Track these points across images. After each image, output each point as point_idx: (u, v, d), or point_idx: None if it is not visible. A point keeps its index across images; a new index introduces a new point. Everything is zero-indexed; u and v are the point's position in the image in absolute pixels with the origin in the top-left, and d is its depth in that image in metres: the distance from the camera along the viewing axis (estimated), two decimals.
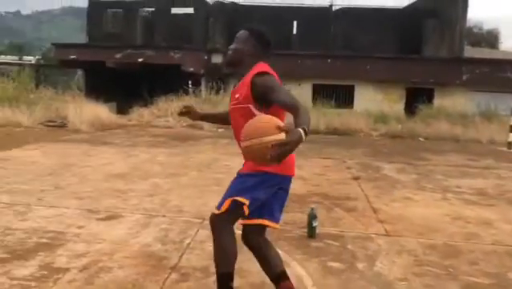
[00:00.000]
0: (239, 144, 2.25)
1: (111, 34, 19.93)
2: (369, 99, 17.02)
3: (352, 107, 17.11)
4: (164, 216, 4.67)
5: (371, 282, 3.25)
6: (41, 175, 6.37)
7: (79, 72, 21.95)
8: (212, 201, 5.17)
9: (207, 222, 4.49)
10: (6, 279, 3.06)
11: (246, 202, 2.36)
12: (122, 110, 15.34)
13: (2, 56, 36.27)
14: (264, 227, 2.57)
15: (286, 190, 2.55)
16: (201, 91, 16.42)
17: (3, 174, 6.32)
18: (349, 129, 13.60)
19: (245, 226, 2.60)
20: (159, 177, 6.54)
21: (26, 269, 3.24)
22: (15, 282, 3.03)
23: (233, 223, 2.49)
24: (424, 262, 3.70)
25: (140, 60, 16.94)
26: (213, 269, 2.62)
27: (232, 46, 2.59)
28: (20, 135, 10.27)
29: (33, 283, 3.01)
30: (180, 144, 10.21)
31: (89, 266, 3.38)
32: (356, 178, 7.00)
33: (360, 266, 3.56)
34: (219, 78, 16.60)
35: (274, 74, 2.44)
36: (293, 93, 2.33)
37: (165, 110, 14.65)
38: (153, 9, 20.07)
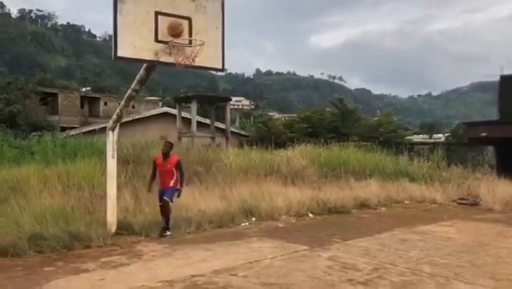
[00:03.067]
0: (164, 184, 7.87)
1: None
2: None
3: None
4: None
5: None
6: (457, 251, 6.75)
7: (489, 148, 21.58)
8: None
9: None
10: None
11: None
12: None
13: (415, 136, 40.06)
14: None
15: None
16: None
17: (423, 246, 7.08)
18: None
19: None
20: None
21: None
22: None
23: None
24: None
25: None
26: None
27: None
28: (435, 211, 11.04)
29: None
30: None
31: None
32: None
33: None
34: None
35: None
36: None
37: None
38: None
